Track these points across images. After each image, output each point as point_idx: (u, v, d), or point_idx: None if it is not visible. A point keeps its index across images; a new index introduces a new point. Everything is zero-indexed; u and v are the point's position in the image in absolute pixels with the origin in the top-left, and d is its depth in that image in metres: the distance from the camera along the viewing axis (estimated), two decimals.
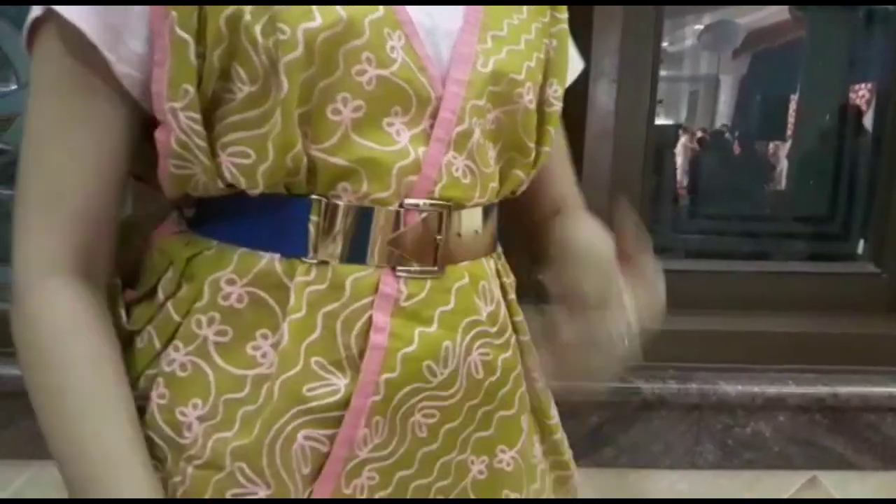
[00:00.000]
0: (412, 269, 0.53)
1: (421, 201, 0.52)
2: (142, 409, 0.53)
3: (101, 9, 0.48)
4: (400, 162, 0.51)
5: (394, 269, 0.52)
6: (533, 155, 0.59)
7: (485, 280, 0.57)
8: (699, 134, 2.66)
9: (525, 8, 0.59)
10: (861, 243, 1.30)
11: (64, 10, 0.48)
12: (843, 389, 1.09)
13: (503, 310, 0.59)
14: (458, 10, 0.55)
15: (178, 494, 0.52)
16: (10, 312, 0.54)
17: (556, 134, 0.64)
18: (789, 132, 1.90)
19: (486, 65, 0.54)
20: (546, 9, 0.61)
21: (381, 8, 0.49)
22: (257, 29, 0.46)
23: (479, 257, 0.57)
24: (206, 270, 0.53)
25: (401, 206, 0.52)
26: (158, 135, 0.50)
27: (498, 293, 0.59)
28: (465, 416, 0.57)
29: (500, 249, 0.64)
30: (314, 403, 0.51)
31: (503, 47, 0.55)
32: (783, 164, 1.85)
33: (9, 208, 1.12)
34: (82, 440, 0.49)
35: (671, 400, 1.08)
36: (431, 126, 0.52)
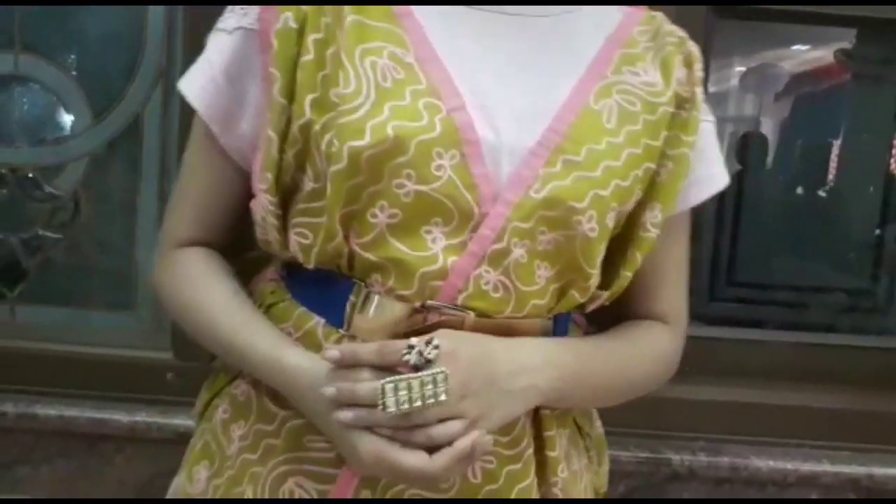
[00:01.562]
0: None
1: (449, 305, 0.56)
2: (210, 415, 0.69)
3: (221, 91, 0.61)
4: (425, 267, 0.55)
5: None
6: (592, 279, 0.60)
7: None
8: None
9: (625, 131, 0.59)
10: None
11: (187, 91, 0.63)
12: (880, 471, 1.07)
13: (522, 421, 0.60)
14: (538, 128, 0.57)
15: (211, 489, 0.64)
16: (154, 275, 0.69)
17: (664, 252, 0.65)
18: (831, 177, 1.87)
19: (541, 190, 0.56)
20: (662, 129, 0.60)
21: (439, 128, 0.54)
22: (321, 139, 0.55)
23: None
24: (277, 319, 0.62)
25: (423, 306, 0.56)
26: (252, 204, 0.62)
27: None
28: None
29: None
30: (311, 454, 0.59)
31: (572, 173, 0.56)
32: (823, 216, 1.82)
33: (61, 250, 1.17)
34: (246, 344, 0.60)
35: (701, 472, 1.07)
36: (471, 239, 0.56)
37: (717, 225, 1.35)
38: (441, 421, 0.52)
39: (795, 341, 1.22)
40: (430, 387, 0.51)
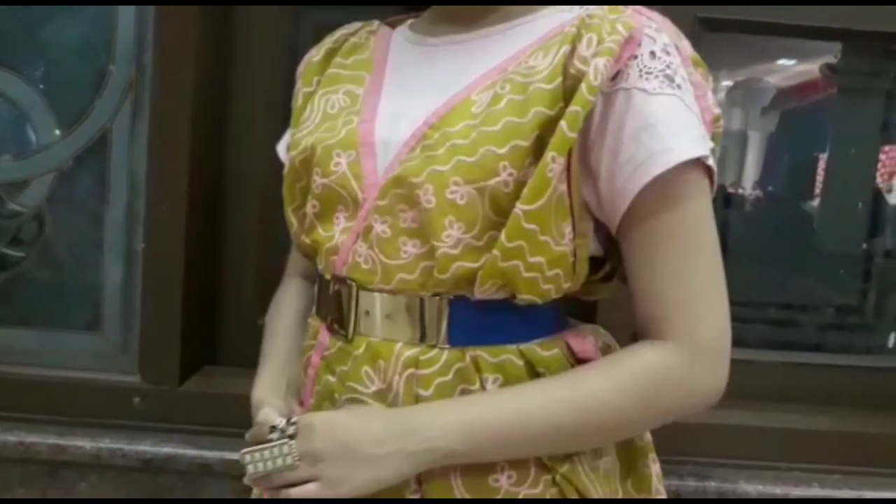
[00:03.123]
0: (335, 329, 0.69)
1: (340, 277, 0.68)
2: None
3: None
4: (327, 244, 0.69)
5: (329, 325, 0.70)
6: (440, 252, 0.62)
7: (385, 361, 0.65)
8: (730, 190, 2.60)
9: (486, 112, 0.62)
10: (893, 337, 1.25)
11: (282, 153, 0.82)
12: (871, 494, 1.04)
13: (400, 398, 0.64)
14: (415, 126, 0.65)
15: None
16: None
17: (643, 251, 0.63)
18: (817, 191, 1.86)
19: (393, 171, 0.64)
20: (532, 106, 0.61)
21: (343, 134, 0.68)
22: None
23: (392, 340, 0.65)
24: None
25: (330, 278, 0.69)
26: None
27: (398, 380, 0.64)
28: None
29: (472, 355, 0.64)
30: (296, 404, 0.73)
31: (423, 155, 0.63)
32: (810, 230, 1.81)
33: (24, 268, 1.13)
34: (265, 352, 0.78)
35: (688, 497, 1.03)
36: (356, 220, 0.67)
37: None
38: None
39: (785, 361, 1.19)
40: (276, 452, 0.61)
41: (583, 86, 0.59)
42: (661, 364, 0.62)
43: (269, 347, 0.78)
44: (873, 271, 1.36)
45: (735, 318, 1.19)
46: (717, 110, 0.66)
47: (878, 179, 1.58)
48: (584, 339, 0.68)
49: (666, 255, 0.63)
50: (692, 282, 0.63)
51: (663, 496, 0.72)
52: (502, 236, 0.61)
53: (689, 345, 0.62)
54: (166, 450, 1.05)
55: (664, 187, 0.61)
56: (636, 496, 0.71)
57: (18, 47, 1.12)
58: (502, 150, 0.61)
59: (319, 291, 0.72)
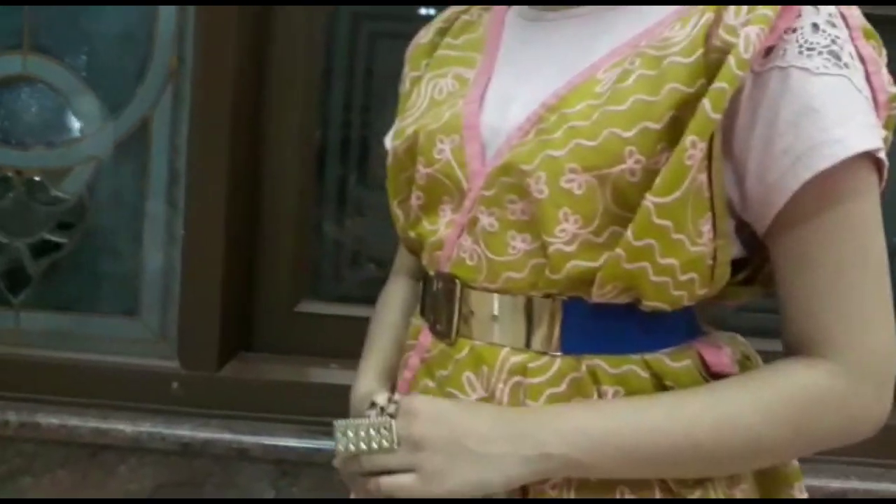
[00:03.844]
0: (437, 329, 0.63)
1: (444, 273, 0.62)
2: None
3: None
4: (431, 238, 0.63)
5: (432, 326, 0.63)
6: (552, 249, 0.55)
7: (489, 367, 0.58)
8: None
9: (611, 90, 0.54)
10: None
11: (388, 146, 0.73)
12: (860, 485, 1.04)
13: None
14: (530, 110, 0.58)
15: None
16: None
17: (798, 259, 0.55)
18: None
19: (501, 157, 0.58)
20: (668, 82, 0.53)
21: (446, 118, 0.62)
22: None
23: (498, 345, 0.59)
24: None
25: (434, 275, 0.63)
26: None
27: (503, 389, 0.58)
28: None
29: (589, 365, 0.56)
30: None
31: (536, 139, 0.57)
32: None
33: (66, 254, 1.15)
34: (370, 345, 0.74)
35: None
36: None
37: None
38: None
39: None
40: (374, 432, 0.55)
41: (731, 58, 0.50)
42: (817, 385, 0.54)
43: (374, 341, 0.73)
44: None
45: (746, 309, 1.16)
46: (893, 89, 0.56)
47: None
48: (719, 350, 0.59)
49: (826, 264, 0.54)
50: (856, 295, 0.55)
51: None
52: (628, 233, 0.53)
53: (851, 365, 0.54)
54: (204, 434, 1.06)
55: (827, 184, 0.52)
56: None
57: (61, 35, 1.14)
58: (629, 134, 0.53)
59: (424, 290, 0.66)
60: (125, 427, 1.06)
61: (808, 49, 0.52)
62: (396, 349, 0.71)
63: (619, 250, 0.53)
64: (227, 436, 1.06)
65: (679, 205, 0.52)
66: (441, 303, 0.62)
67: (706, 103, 0.51)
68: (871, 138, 0.52)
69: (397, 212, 0.69)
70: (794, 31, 0.52)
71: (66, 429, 1.06)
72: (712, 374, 0.58)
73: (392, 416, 0.55)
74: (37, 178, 1.16)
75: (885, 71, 0.56)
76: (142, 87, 1.13)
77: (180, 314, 1.13)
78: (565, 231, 0.54)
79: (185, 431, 1.06)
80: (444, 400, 0.59)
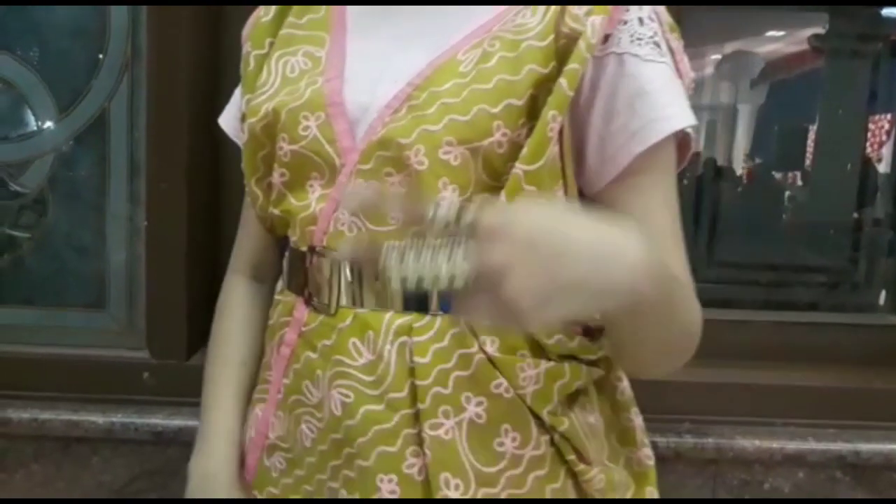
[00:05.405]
0: (314, 302, 0.65)
1: (319, 247, 0.64)
2: None
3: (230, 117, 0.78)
4: (302, 214, 0.65)
5: (307, 299, 0.66)
6: None
7: (374, 331, 0.62)
8: (721, 163, 2.61)
9: (476, 70, 0.59)
10: (883, 294, 1.27)
11: (224, 126, 0.79)
12: (865, 446, 1.07)
13: (393, 368, 0.61)
14: (399, 86, 0.62)
15: None
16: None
17: (631, 201, 0.62)
18: (808, 162, 1.88)
19: (376, 133, 0.61)
20: (527, 64, 0.59)
21: (307, 95, 0.64)
22: (245, 125, 0.69)
23: (381, 310, 0.62)
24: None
25: (307, 250, 0.65)
26: None
27: (390, 349, 0.61)
28: (331, 445, 0.64)
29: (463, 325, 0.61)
30: (265, 385, 0.71)
31: (410, 116, 0.61)
32: (801, 200, 1.83)
33: (29, 249, 1.14)
34: (207, 377, 0.78)
35: (687, 454, 1.06)
36: (334, 186, 0.63)
37: (696, 207, 1.35)
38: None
39: (778, 321, 1.22)
40: (441, 256, 0.42)
41: (581, 43, 0.58)
42: None
43: (216, 395, 0.75)
44: (863, 240, 1.38)
45: (729, 281, 1.22)
46: (693, 74, 0.66)
47: (868, 149, 1.60)
48: None
49: (646, 207, 0.62)
50: (669, 230, 0.63)
51: (647, 448, 0.73)
52: (501, 197, 0.59)
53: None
54: (176, 422, 1.06)
55: (654, 155, 0.61)
56: (621, 449, 0.71)
57: (13, 29, 1.13)
58: (496, 109, 0.59)
59: (291, 265, 0.68)
60: (97, 419, 1.06)
61: (638, 39, 0.61)
62: (244, 403, 0.74)
63: None
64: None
65: (542, 171, 0.59)
66: (318, 276, 0.64)
67: (563, 82, 0.58)
68: (691, 116, 0.62)
69: (256, 190, 0.71)
70: (626, 23, 0.61)
71: (38, 422, 1.06)
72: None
73: (468, 225, 0.43)
74: None
75: (686, 59, 0.66)
76: (96, 79, 1.12)
77: (147, 305, 1.13)
78: (444, 199, 0.59)
79: (157, 420, 1.07)
80: (549, 210, 0.49)
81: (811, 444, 1.07)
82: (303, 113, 0.64)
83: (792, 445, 1.07)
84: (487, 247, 0.43)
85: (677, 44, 0.65)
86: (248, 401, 0.75)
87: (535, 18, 0.61)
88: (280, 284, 0.72)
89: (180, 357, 1.11)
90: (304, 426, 0.66)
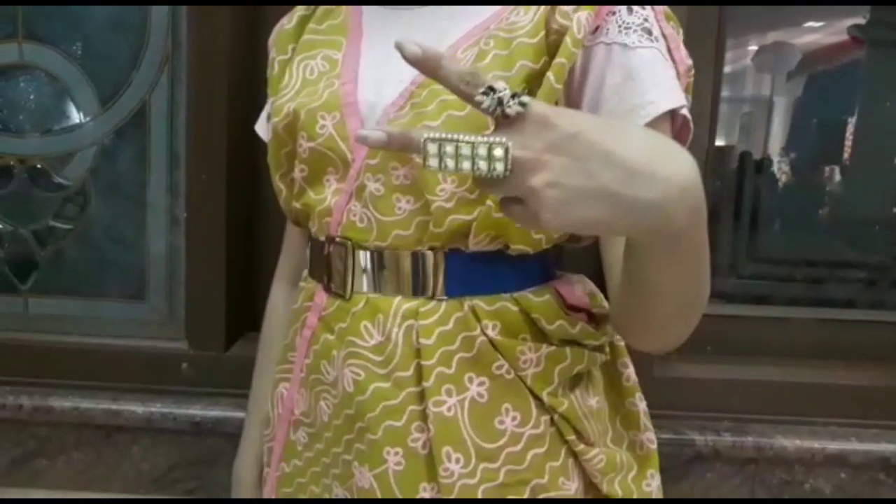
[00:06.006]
0: (332, 289, 0.70)
1: (335, 237, 0.69)
2: None
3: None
4: (319, 207, 0.69)
5: (326, 286, 0.70)
6: (434, 206, 0.63)
7: (384, 314, 0.66)
8: (758, 156, 2.57)
9: (489, 57, 0.62)
10: None
11: (261, 132, 0.84)
12: None
13: (400, 349, 0.65)
14: (402, 86, 0.65)
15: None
16: None
17: None
18: (846, 155, 1.84)
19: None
20: (518, 60, 0.62)
21: (325, 97, 0.68)
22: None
23: (391, 295, 0.66)
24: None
25: (325, 240, 0.70)
26: None
27: (398, 332, 0.65)
28: (345, 420, 0.68)
29: (470, 305, 0.64)
30: (288, 365, 0.76)
31: (412, 112, 0.64)
32: (839, 194, 1.79)
33: (71, 240, 1.16)
34: (254, 381, 0.88)
35: (725, 453, 1.05)
36: (347, 180, 0.68)
37: (736, 202, 1.33)
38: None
39: (818, 317, 1.19)
40: (481, 146, 0.43)
41: (567, 38, 0.61)
42: None
43: (256, 401, 0.85)
44: None
45: (766, 277, 1.19)
46: (690, 61, 0.67)
47: None
48: (572, 287, 0.70)
49: None
50: None
51: (650, 432, 0.74)
52: None
53: None
54: (214, 413, 1.08)
55: None
56: (625, 433, 0.74)
57: (56, 23, 1.14)
58: None
59: (312, 254, 0.73)
60: (137, 408, 1.08)
61: (626, 27, 0.63)
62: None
63: (489, 202, 0.62)
64: (237, 414, 1.07)
65: None
66: (335, 264, 0.69)
67: (550, 76, 0.60)
68: (678, 98, 0.62)
69: (280, 185, 0.76)
70: (614, 13, 0.63)
71: (79, 411, 1.08)
72: (569, 307, 0.68)
73: (509, 116, 0.44)
74: (38, 166, 1.17)
75: (682, 46, 0.67)
76: (137, 72, 1.13)
77: (187, 296, 1.14)
78: (444, 190, 0.63)
79: (195, 411, 1.08)
80: (591, 117, 0.54)
81: (854, 445, 1.05)
82: (320, 113, 0.68)
83: (834, 445, 1.05)
84: (533, 130, 0.45)
85: (672, 31, 0.66)
86: None
87: (527, 17, 0.64)
88: (304, 272, 0.76)
89: (219, 348, 1.12)
90: (322, 403, 0.71)
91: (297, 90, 0.71)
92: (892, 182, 1.41)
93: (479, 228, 0.63)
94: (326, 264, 0.70)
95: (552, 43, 0.62)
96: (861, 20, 1.44)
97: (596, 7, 0.62)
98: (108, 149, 1.16)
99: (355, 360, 0.66)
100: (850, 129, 1.81)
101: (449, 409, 0.63)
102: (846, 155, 1.84)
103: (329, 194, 0.69)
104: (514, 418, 0.65)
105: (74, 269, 1.19)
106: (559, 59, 0.61)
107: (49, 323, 1.18)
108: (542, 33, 0.63)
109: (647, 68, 0.62)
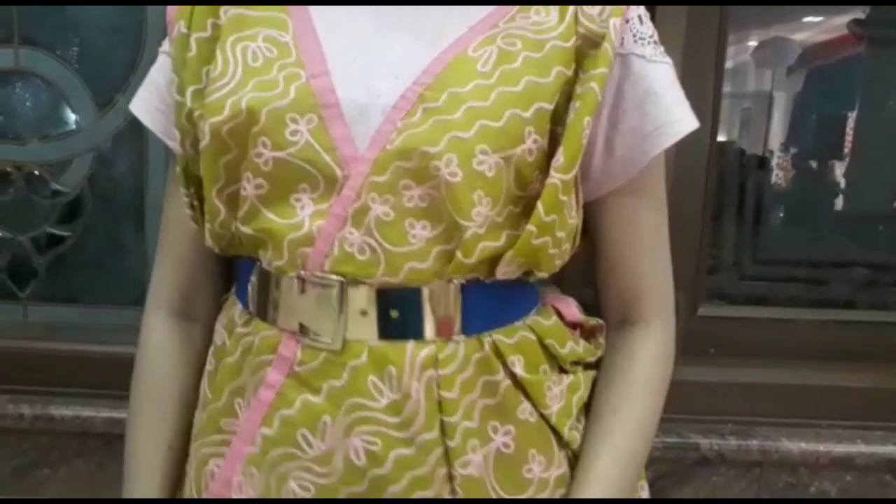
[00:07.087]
0: (311, 337, 0.56)
1: (318, 273, 0.55)
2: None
3: (169, 108, 0.65)
4: (292, 234, 0.55)
5: (298, 333, 0.57)
6: (469, 234, 0.54)
7: (396, 367, 0.55)
8: (758, 152, 2.57)
9: (500, 71, 0.55)
10: None
11: (136, 112, 0.69)
12: None
13: (423, 405, 0.55)
14: (404, 83, 0.55)
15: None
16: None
17: (629, 225, 0.62)
18: (846, 150, 1.83)
19: (395, 141, 0.53)
20: (554, 66, 0.56)
21: (293, 94, 0.54)
22: (198, 123, 0.58)
23: (398, 340, 0.56)
24: (224, 313, 0.66)
25: (299, 276, 0.56)
26: None
27: (417, 387, 0.56)
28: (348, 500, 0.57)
29: (489, 341, 0.58)
30: (225, 436, 0.61)
31: (430, 119, 0.53)
32: (839, 191, 1.79)
33: (69, 247, 1.15)
34: (129, 441, 0.70)
35: (730, 457, 1.04)
36: (336, 201, 0.55)
37: (739, 202, 1.32)
38: None
39: (822, 319, 1.19)
40: None
41: (606, 45, 0.56)
42: (664, 354, 0.65)
43: (136, 486, 0.67)
44: None
45: (769, 278, 1.19)
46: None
47: None
48: (566, 303, 0.67)
49: (649, 228, 0.63)
50: (665, 256, 0.65)
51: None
52: (539, 209, 0.54)
53: (667, 319, 0.66)
54: None
55: (660, 159, 0.61)
56: None
57: (51, 28, 1.13)
58: (528, 114, 0.54)
59: (267, 293, 0.58)
60: None
61: (640, 38, 0.59)
62: (169, 495, 0.66)
63: (530, 226, 0.55)
64: None
65: (574, 181, 0.56)
66: (318, 307, 0.55)
67: (594, 86, 0.55)
68: (695, 118, 0.60)
69: (216, 203, 0.59)
70: (628, 21, 0.59)
71: (80, 419, 1.07)
72: (568, 324, 0.65)
73: None
74: (36, 172, 1.16)
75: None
76: (134, 77, 1.12)
77: None
78: (480, 214, 0.54)
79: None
80: None
81: (859, 447, 1.04)
82: (289, 115, 0.54)
83: (839, 448, 1.04)
84: None
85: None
86: (173, 491, 0.67)
87: (552, 17, 0.58)
88: (237, 315, 0.62)
89: None
90: (293, 484, 0.57)
91: (241, 81, 0.56)
92: (892, 178, 1.41)
93: (514, 255, 0.56)
94: (300, 307, 0.56)
95: (580, 49, 0.57)
96: (861, 15, 1.44)
97: (623, 12, 0.57)
98: (106, 154, 1.15)
99: (366, 427, 0.55)
100: (850, 123, 1.81)
101: (476, 467, 0.57)
102: (846, 150, 1.83)
103: (305, 218, 0.55)
104: (539, 463, 0.60)
105: (73, 276, 1.18)
106: (601, 69, 0.55)
107: (48, 330, 1.17)
108: (574, 38, 0.57)
109: (668, 83, 0.59)
